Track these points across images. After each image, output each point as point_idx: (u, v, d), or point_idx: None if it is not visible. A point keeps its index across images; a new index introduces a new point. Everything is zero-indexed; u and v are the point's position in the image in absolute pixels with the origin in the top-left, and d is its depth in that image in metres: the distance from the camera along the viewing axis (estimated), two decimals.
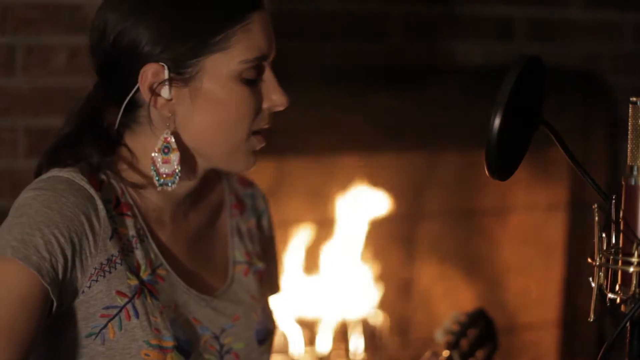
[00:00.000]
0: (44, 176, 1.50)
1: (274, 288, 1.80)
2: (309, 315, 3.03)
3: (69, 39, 2.49)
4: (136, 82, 1.50)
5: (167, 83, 1.49)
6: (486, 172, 1.26)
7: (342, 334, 3.08)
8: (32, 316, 1.40)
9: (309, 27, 2.91)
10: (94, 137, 1.54)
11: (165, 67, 1.48)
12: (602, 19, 3.33)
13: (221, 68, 1.50)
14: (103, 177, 1.52)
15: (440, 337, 1.81)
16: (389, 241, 3.15)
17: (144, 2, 1.50)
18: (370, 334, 3.11)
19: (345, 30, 2.89)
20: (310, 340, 3.03)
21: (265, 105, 1.54)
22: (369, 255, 3.12)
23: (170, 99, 1.50)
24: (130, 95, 1.51)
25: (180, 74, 1.49)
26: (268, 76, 1.54)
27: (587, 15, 3.29)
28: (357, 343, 3.08)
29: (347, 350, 3.08)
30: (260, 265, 1.71)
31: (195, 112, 1.51)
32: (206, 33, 1.49)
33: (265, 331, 1.67)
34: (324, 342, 3.04)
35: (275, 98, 1.54)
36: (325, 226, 3.07)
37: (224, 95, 1.51)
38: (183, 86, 1.50)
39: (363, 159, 3.07)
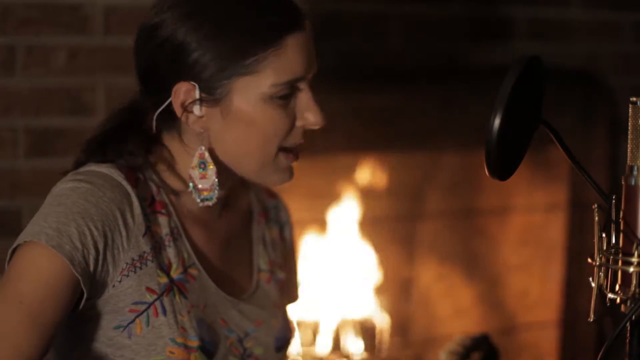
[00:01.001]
0: (82, 169, 1.53)
1: (292, 297, 1.82)
2: (308, 316, 3.03)
3: (69, 39, 2.49)
4: (170, 96, 1.52)
5: (198, 102, 1.51)
6: (486, 172, 1.26)
7: (342, 335, 3.08)
8: (59, 304, 1.43)
9: None
10: (137, 136, 1.57)
11: (197, 86, 1.50)
12: (602, 19, 3.32)
13: (251, 90, 1.51)
14: (140, 175, 1.55)
15: (445, 357, 1.84)
16: (389, 241, 3.15)
17: (197, 13, 1.50)
18: (370, 334, 3.10)
19: (345, 30, 2.88)
20: (310, 341, 3.03)
21: (299, 123, 1.55)
22: (369, 255, 3.12)
23: (202, 116, 1.52)
24: (164, 106, 1.53)
25: (211, 94, 1.51)
26: (305, 94, 1.54)
27: (587, 15, 3.29)
28: (356, 344, 3.08)
29: (346, 351, 3.08)
30: (281, 274, 1.74)
31: (226, 130, 1.53)
32: (237, 55, 1.50)
33: (284, 339, 1.69)
34: (324, 343, 3.04)
35: (309, 117, 1.55)
36: (325, 226, 3.07)
37: (254, 115, 1.52)
38: (214, 105, 1.52)
39: (363, 159, 3.07)
